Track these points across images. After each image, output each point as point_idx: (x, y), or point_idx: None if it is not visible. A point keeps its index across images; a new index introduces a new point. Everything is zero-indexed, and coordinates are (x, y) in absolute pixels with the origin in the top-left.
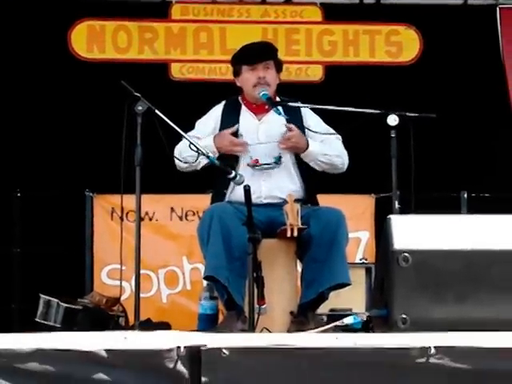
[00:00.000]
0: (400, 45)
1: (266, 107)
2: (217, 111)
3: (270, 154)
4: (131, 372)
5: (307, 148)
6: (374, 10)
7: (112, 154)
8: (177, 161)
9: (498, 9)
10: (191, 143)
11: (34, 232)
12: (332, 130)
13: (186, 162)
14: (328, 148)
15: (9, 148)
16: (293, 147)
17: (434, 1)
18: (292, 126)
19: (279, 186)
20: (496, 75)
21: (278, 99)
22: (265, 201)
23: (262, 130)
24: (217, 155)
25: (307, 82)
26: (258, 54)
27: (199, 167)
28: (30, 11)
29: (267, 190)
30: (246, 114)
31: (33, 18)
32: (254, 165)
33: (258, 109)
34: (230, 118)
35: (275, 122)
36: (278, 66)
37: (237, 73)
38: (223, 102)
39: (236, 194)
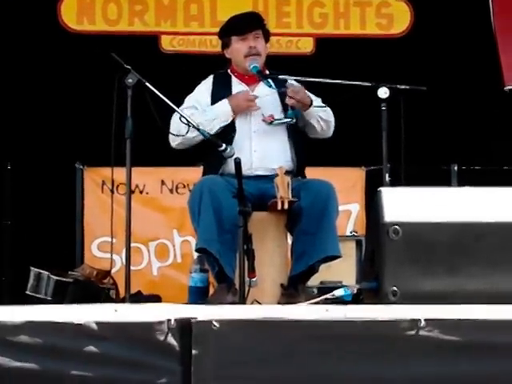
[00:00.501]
0: (391, 17)
1: (257, 77)
2: (207, 85)
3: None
4: (122, 344)
5: (311, 104)
6: None
7: (102, 126)
8: (172, 137)
9: None
10: (182, 116)
11: (24, 205)
12: (321, 103)
13: (180, 136)
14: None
15: None
16: (300, 101)
17: None
18: (294, 83)
19: (270, 156)
20: (487, 48)
21: (267, 71)
22: (256, 172)
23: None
24: (230, 119)
25: (298, 55)
26: (247, 23)
27: (194, 141)
28: None
29: (258, 161)
30: (238, 86)
31: None
32: (271, 122)
33: (250, 79)
34: (221, 91)
35: (267, 93)
36: (267, 36)
37: (226, 44)
38: (211, 76)
39: (227, 166)
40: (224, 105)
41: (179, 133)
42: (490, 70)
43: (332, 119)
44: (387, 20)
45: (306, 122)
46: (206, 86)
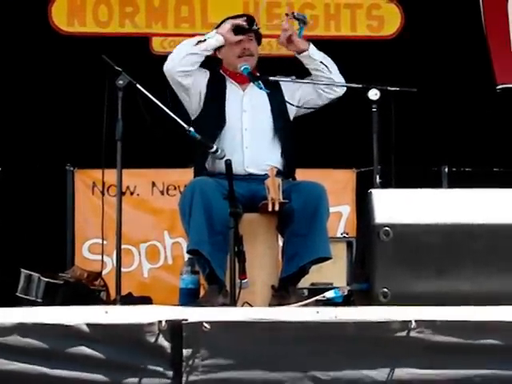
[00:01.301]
0: (381, 19)
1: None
2: (205, 76)
3: (257, 121)
4: (112, 346)
5: (308, 48)
6: None
7: (93, 128)
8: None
9: None
10: (172, 117)
11: (15, 206)
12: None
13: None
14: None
15: None
16: (292, 40)
17: None
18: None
19: (262, 153)
20: (477, 49)
21: (257, 73)
22: (248, 169)
23: (245, 100)
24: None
25: (288, 56)
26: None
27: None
28: None
29: (250, 158)
30: (231, 86)
31: None
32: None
33: (241, 79)
34: (216, 89)
35: (258, 94)
36: (259, 39)
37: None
38: (208, 72)
39: (217, 168)
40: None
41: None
42: (480, 71)
43: (335, 66)
44: (378, 22)
45: (314, 71)
46: (203, 78)
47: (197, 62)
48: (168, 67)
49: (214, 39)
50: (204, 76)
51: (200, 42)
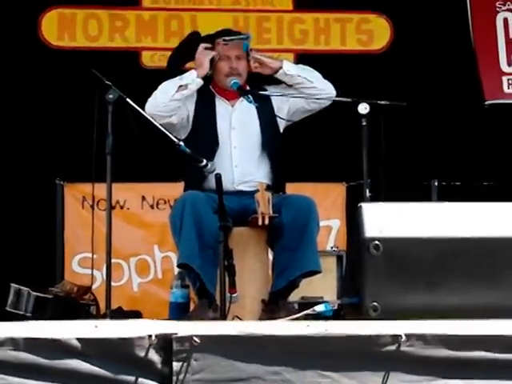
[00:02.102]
0: (371, 33)
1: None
2: (193, 98)
3: (245, 138)
4: (103, 360)
5: (282, 65)
6: None
7: (83, 142)
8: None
9: None
10: (162, 132)
11: (4, 220)
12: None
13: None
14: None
15: None
16: (264, 63)
17: None
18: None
19: (251, 171)
20: (467, 63)
21: (247, 87)
22: (237, 187)
23: (234, 117)
24: (196, 77)
25: None
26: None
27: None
28: None
29: (239, 176)
30: (220, 102)
31: (3, 4)
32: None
33: (230, 95)
34: (205, 106)
35: (247, 108)
36: (249, 56)
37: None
38: (195, 92)
39: (208, 182)
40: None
41: (167, 94)
42: (469, 85)
43: (316, 72)
44: (367, 36)
45: (297, 89)
46: (191, 98)
47: (178, 106)
48: (150, 111)
49: (194, 84)
50: (191, 100)
51: (181, 86)
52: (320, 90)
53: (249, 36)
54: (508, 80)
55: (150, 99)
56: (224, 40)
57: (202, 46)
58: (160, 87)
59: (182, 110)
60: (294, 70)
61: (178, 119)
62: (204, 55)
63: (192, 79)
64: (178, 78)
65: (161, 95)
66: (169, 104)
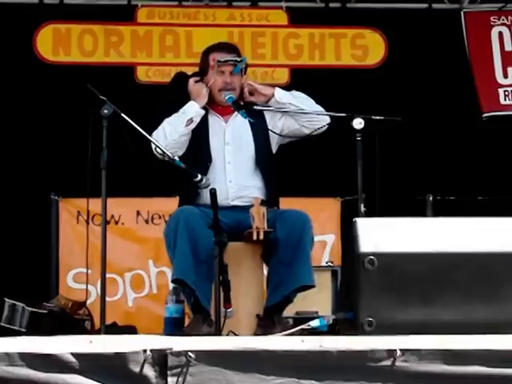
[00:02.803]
0: (365, 48)
1: (232, 108)
2: None
3: (239, 154)
4: (97, 376)
5: (274, 93)
6: (339, 14)
7: (78, 157)
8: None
9: (462, 13)
10: (157, 146)
11: None
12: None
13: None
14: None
15: None
16: (257, 91)
17: (398, 5)
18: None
19: (245, 186)
20: (461, 79)
21: (241, 102)
22: (232, 202)
23: (228, 133)
24: (198, 110)
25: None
26: (226, 45)
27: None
28: None
29: (234, 191)
30: (213, 117)
31: None
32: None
33: (224, 110)
34: (198, 125)
35: (241, 124)
36: (244, 69)
37: (204, 72)
38: None
39: (202, 197)
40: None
41: (176, 130)
42: (465, 99)
43: (309, 99)
44: (362, 51)
45: (290, 117)
46: None
47: (187, 140)
48: (161, 152)
49: (198, 116)
50: None
51: (188, 120)
52: (312, 118)
53: (243, 60)
54: (504, 92)
55: (159, 138)
56: (218, 61)
57: (192, 79)
58: (166, 125)
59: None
60: (285, 98)
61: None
62: (198, 86)
63: (196, 111)
64: (181, 111)
65: (170, 133)
66: (179, 140)
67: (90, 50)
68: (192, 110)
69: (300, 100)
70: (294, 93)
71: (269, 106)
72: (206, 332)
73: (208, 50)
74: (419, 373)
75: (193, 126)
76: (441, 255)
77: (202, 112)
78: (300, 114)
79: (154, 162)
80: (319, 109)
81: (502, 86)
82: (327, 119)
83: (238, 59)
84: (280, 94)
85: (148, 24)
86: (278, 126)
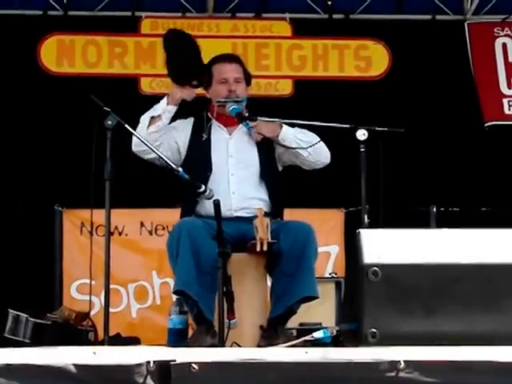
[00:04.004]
0: (369, 59)
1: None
2: (187, 127)
3: (243, 165)
4: None
5: (281, 129)
6: (343, 25)
7: (81, 168)
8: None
9: (466, 24)
10: (160, 157)
11: (3, 246)
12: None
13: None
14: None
15: None
16: (266, 133)
17: (402, 16)
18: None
19: (249, 198)
20: (464, 90)
21: (246, 113)
22: (235, 213)
23: (231, 145)
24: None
25: (277, 97)
26: (228, 56)
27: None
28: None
29: (237, 203)
30: (217, 129)
31: (2, 31)
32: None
33: (228, 121)
34: (201, 136)
35: (245, 135)
36: (248, 80)
37: (208, 83)
38: (191, 120)
39: (206, 208)
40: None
41: (143, 129)
42: (467, 112)
43: (319, 144)
44: (365, 62)
45: (291, 153)
46: (186, 127)
47: (158, 139)
48: (135, 149)
49: (167, 112)
50: (186, 129)
51: (153, 117)
52: (313, 160)
53: (243, 100)
54: (509, 102)
55: (133, 139)
56: (218, 101)
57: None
58: (139, 124)
59: (168, 143)
60: (288, 140)
61: (166, 154)
62: (188, 90)
63: (163, 108)
64: (152, 109)
65: (139, 131)
66: (146, 139)
67: (93, 61)
68: (159, 108)
69: (304, 139)
70: (301, 132)
71: (273, 118)
72: (209, 343)
73: (211, 62)
74: None
75: (161, 123)
76: (444, 266)
77: (172, 109)
78: (300, 155)
79: (157, 173)
80: (322, 148)
81: (506, 96)
82: (327, 161)
83: (238, 99)
84: (283, 136)
85: (152, 35)
86: (280, 157)
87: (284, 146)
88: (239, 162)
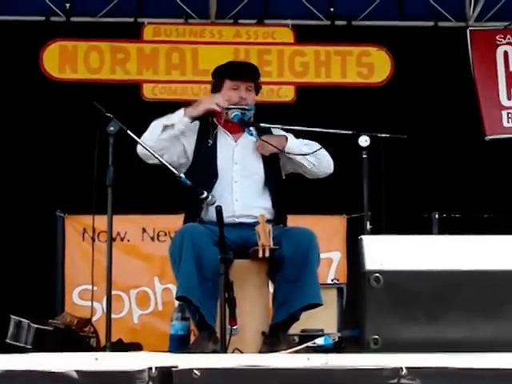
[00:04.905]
0: (371, 66)
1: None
2: (193, 129)
3: (247, 173)
4: None
5: (286, 142)
6: (345, 32)
7: (83, 174)
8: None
9: (468, 31)
10: (162, 163)
11: (5, 252)
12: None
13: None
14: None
15: None
16: (271, 149)
17: (404, 23)
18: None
19: (252, 205)
20: (466, 96)
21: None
22: (238, 220)
23: (237, 152)
24: (181, 119)
25: (279, 103)
26: (245, 72)
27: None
28: (1, 30)
29: (240, 209)
30: (223, 134)
31: (5, 37)
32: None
33: (234, 128)
34: (207, 142)
35: (251, 143)
36: (257, 89)
37: (216, 88)
38: (197, 123)
39: (208, 214)
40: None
41: (153, 134)
42: (469, 118)
43: (322, 154)
44: (368, 69)
45: (295, 165)
46: (192, 131)
47: (167, 146)
48: (139, 151)
49: (180, 124)
50: (192, 133)
51: (167, 126)
52: (316, 171)
53: (251, 108)
54: (508, 114)
55: (144, 140)
56: (227, 108)
57: (217, 97)
58: (150, 127)
59: (174, 149)
60: (293, 154)
61: (170, 159)
62: (208, 103)
63: (179, 119)
64: (166, 117)
65: (148, 136)
66: (155, 145)
67: (96, 67)
68: (175, 117)
69: (308, 149)
70: (307, 143)
71: (276, 124)
72: (211, 349)
73: (223, 73)
74: None
75: (173, 132)
76: (446, 273)
77: (186, 121)
78: (304, 167)
79: (159, 179)
80: (327, 158)
81: (505, 108)
82: (330, 171)
83: (248, 107)
84: (289, 149)
85: (154, 41)
86: (284, 165)
87: (289, 158)
88: (244, 169)
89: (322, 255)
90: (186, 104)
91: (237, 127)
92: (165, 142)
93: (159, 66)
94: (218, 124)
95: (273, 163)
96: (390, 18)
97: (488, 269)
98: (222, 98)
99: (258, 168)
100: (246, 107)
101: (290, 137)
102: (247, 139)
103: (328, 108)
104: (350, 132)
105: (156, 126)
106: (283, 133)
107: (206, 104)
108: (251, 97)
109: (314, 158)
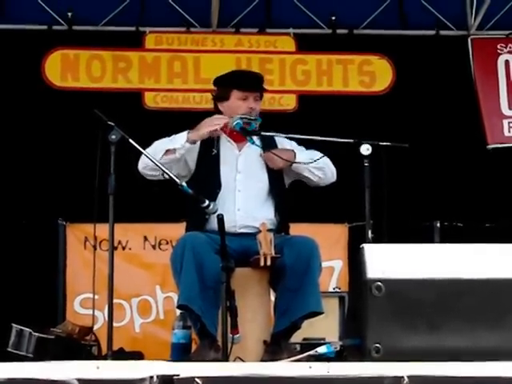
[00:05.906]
0: (373, 74)
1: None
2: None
3: (251, 182)
4: None
5: (295, 157)
6: (346, 40)
7: (85, 182)
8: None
9: (469, 40)
10: (164, 172)
11: (6, 260)
12: (314, 153)
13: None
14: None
15: None
16: (279, 164)
17: (406, 32)
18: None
19: (254, 214)
20: (468, 105)
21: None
22: (239, 230)
23: (240, 161)
24: (184, 143)
25: (280, 111)
26: (254, 82)
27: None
28: (3, 39)
29: (242, 219)
30: (226, 144)
31: (7, 46)
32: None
33: (238, 137)
34: (210, 151)
35: (254, 152)
36: (262, 98)
37: (223, 97)
38: None
39: (210, 223)
40: (183, 134)
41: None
42: (471, 127)
43: (327, 165)
44: (369, 77)
45: (300, 175)
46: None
47: (173, 164)
48: (140, 169)
49: (182, 149)
50: (194, 149)
51: (168, 150)
52: (321, 182)
53: (258, 119)
54: (509, 123)
55: (141, 159)
56: (240, 118)
57: (216, 117)
58: (152, 147)
59: (176, 166)
60: (302, 168)
61: (173, 168)
62: (208, 125)
63: (181, 144)
64: (170, 138)
65: (151, 156)
66: (155, 167)
67: (98, 76)
68: (178, 142)
69: (315, 169)
70: (312, 154)
71: (277, 133)
72: (212, 358)
73: (230, 83)
74: None
75: (174, 157)
76: (448, 282)
77: (188, 146)
78: (310, 180)
79: (161, 188)
80: (331, 170)
81: (506, 117)
82: (333, 180)
83: (253, 118)
84: (298, 165)
85: (156, 50)
86: (288, 175)
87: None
88: (247, 178)
89: (324, 264)
90: (187, 113)
91: (241, 136)
92: (165, 164)
93: (161, 74)
94: (224, 133)
95: (276, 172)
96: (391, 26)
97: (490, 277)
98: (221, 116)
99: (262, 177)
100: (252, 117)
101: (297, 151)
102: (251, 148)
103: (330, 116)
104: (352, 140)
105: (158, 148)
106: (287, 141)
107: (207, 127)
108: (259, 107)
109: (319, 172)
